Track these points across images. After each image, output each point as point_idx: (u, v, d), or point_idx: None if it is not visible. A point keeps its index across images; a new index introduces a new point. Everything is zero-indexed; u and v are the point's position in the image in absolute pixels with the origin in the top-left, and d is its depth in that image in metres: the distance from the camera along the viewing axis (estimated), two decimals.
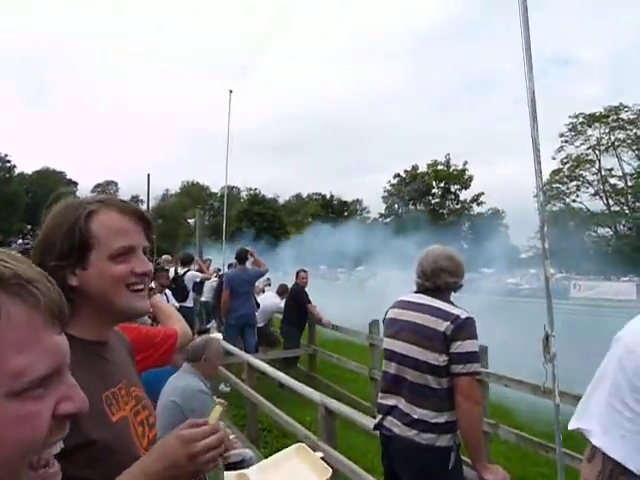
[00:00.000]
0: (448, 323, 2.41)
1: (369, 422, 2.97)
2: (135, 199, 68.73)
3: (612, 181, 45.46)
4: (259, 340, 8.23)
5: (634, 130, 43.63)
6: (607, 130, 44.44)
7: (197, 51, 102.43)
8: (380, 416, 2.63)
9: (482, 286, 35.98)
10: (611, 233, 45.27)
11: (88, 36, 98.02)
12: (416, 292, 2.68)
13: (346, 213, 59.65)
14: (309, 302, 8.05)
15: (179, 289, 8.69)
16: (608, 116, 43.94)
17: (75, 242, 1.03)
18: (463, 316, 2.44)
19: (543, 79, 58.85)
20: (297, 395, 4.46)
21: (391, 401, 2.58)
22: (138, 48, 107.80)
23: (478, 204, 56.55)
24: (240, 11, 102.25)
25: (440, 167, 57.73)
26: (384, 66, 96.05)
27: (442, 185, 57.81)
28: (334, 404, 3.65)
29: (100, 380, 1.03)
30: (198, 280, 9.41)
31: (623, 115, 43.80)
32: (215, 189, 70.53)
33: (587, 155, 45.67)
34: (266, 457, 2.86)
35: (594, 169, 45.60)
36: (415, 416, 2.44)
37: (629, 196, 43.94)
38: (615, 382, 0.95)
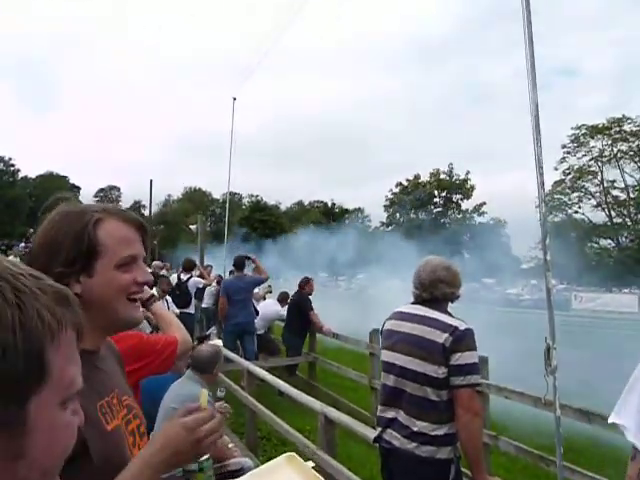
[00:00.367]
0: (447, 335, 2.40)
1: (369, 432, 2.96)
2: (137, 204, 68.90)
3: (614, 193, 45.45)
4: (259, 347, 8.21)
5: (637, 142, 43.67)
6: (610, 142, 44.47)
7: (199, 56, 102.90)
8: (379, 429, 2.62)
9: (483, 296, 35.96)
10: (613, 245, 45.19)
11: (92, 39, 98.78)
12: (413, 303, 2.68)
13: (347, 221, 59.61)
14: (311, 309, 8.04)
15: (182, 295, 8.70)
16: (611, 128, 43.99)
17: (83, 249, 1.03)
18: (462, 327, 2.43)
19: (546, 90, 59.03)
20: (297, 403, 4.44)
21: (390, 414, 2.56)
22: (142, 52, 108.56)
23: (480, 214, 56.56)
24: (243, 16, 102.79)
25: (442, 176, 57.80)
26: (388, 75, 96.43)
27: (444, 194, 57.84)
28: (334, 413, 3.64)
29: (94, 389, 1.03)
30: (201, 286, 9.41)
31: (626, 127, 43.85)
32: (217, 195, 70.71)
33: (589, 166, 45.69)
34: None
35: (596, 180, 45.61)
36: (415, 428, 2.43)
37: (631, 208, 43.91)
38: None
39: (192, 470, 1.07)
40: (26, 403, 0.57)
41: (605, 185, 45.12)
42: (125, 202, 73.26)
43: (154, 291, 8.21)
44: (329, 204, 68.02)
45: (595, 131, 44.43)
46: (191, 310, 9.13)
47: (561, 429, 2.97)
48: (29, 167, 78.63)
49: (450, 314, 2.54)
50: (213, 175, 74.28)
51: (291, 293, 8.89)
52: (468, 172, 56.23)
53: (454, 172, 57.36)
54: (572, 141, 45.68)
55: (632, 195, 44.19)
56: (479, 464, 2.40)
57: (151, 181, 36.47)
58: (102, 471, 0.94)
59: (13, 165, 62.84)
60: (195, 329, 10.87)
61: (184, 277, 9.28)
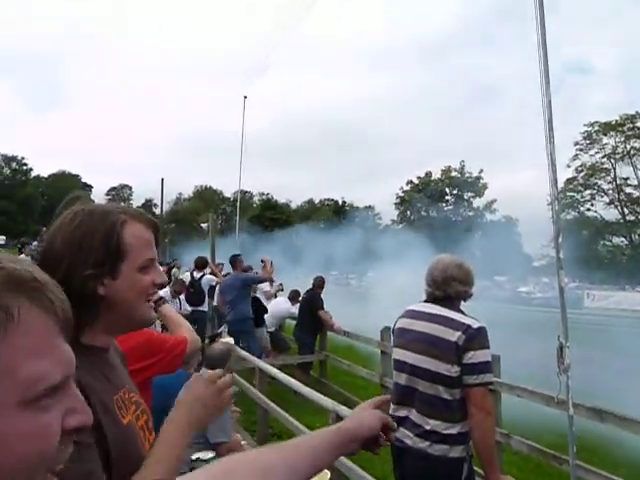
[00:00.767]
0: (460, 333, 2.40)
1: None
2: (149, 203, 69.41)
3: (627, 190, 44.95)
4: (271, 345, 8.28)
5: None
6: (623, 139, 43.99)
7: (211, 55, 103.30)
8: None
9: (494, 294, 35.75)
10: (626, 243, 44.72)
11: (106, 38, 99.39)
12: (426, 301, 2.67)
13: (358, 219, 59.55)
14: (322, 308, 8.06)
15: (196, 293, 8.76)
16: (624, 124, 43.51)
17: (112, 251, 1.04)
18: (475, 326, 2.42)
19: (558, 87, 58.52)
20: (308, 401, 4.45)
21: (402, 412, 2.56)
22: (154, 52, 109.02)
23: (491, 212, 56.25)
24: (256, 14, 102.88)
25: (454, 174, 57.52)
26: (400, 72, 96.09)
27: (455, 192, 57.59)
28: (345, 411, 3.64)
29: (110, 384, 1.05)
30: (214, 284, 9.45)
31: (639, 123, 43.36)
32: (228, 194, 70.95)
33: (602, 164, 45.23)
34: None
35: (609, 178, 45.15)
36: (427, 427, 2.42)
37: None
38: None
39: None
40: None
41: (618, 182, 44.65)
42: (136, 200, 73.88)
43: (167, 290, 8.27)
44: (340, 202, 67.98)
45: (608, 128, 43.98)
46: (205, 308, 9.20)
47: (574, 428, 2.96)
48: (41, 166, 79.46)
49: (463, 312, 2.53)
50: (224, 174, 74.22)
51: (302, 291, 8.91)
52: (481, 170, 55.95)
53: (465, 170, 57.08)
54: (584, 138, 45.26)
55: None
56: (492, 463, 2.39)
57: (162, 180, 36.73)
58: (119, 464, 0.96)
59: (26, 164, 63.53)
60: (207, 327, 10.94)
61: (197, 275, 9.34)
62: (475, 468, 2.53)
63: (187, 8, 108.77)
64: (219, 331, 8.41)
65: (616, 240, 45.59)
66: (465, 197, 57.59)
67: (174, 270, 13.80)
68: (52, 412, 0.52)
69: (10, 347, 0.50)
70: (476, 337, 2.39)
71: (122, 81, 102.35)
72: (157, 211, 54.70)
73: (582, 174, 45.75)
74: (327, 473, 2.08)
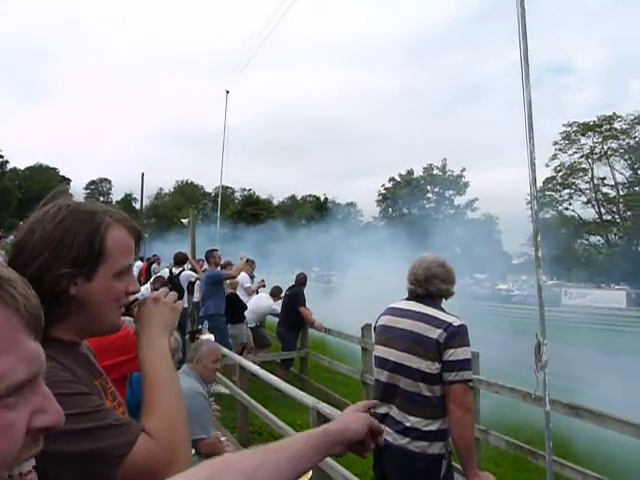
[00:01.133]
0: (441, 331, 2.42)
1: None
2: (129, 197, 68.54)
3: (604, 190, 45.80)
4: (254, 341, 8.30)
5: (626, 140, 43.98)
6: (600, 139, 44.76)
7: (193, 49, 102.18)
8: None
9: (474, 292, 36.16)
10: (603, 242, 45.56)
11: (84, 30, 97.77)
12: (408, 299, 2.69)
13: (340, 216, 59.67)
14: (303, 305, 8.07)
15: (175, 289, 8.67)
16: (601, 125, 44.26)
17: (94, 252, 1.02)
18: (456, 324, 2.45)
19: (539, 87, 59.26)
20: (289, 398, 4.45)
21: (383, 409, 2.58)
22: (133, 44, 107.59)
23: (472, 210, 56.80)
24: (237, 8, 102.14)
25: (436, 172, 57.91)
26: (382, 70, 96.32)
27: (437, 190, 58.00)
28: (326, 408, 3.65)
29: (89, 372, 1.05)
30: (193, 280, 9.38)
31: (616, 125, 44.15)
32: (209, 189, 70.38)
33: (580, 164, 45.96)
34: None
35: (587, 177, 45.91)
36: (407, 424, 2.44)
37: (621, 205, 44.26)
38: None
39: None
40: None
41: (595, 182, 45.44)
42: (116, 195, 72.97)
43: (147, 287, 8.19)
44: (322, 198, 67.99)
45: (586, 128, 44.70)
46: (184, 304, 9.12)
47: (551, 424, 3.01)
48: (19, 159, 77.88)
49: (444, 310, 2.56)
50: (205, 169, 74.09)
51: (284, 287, 8.91)
52: (463, 169, 56.38)
53: (447, 168, 57.50)
54: (563, 138, 45.95)
55: (621, 192, 44.54)
56: (470, 459, 2.42)
57: (142, 174, 36.27)
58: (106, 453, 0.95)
59: (2, 156, 62.19)
60: (187, 323, 10.86)
61: (176, 271, 9.25)
62: (454, 464, 2.56)
63: (170, 0, 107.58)
64: (199, 327, 8.37)
65: (593, 239, 46.43)
66: (447, 195, 58.02)
67: (154, 266, 13.66)
68: (16, 411, 0.50)
69: None
70: (457, 335, 2.42)
71: (102, 74, 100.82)
72: (137, 206, 54.07)
73: (561, 174, 46.45)
74: (309, 471, 2.08)
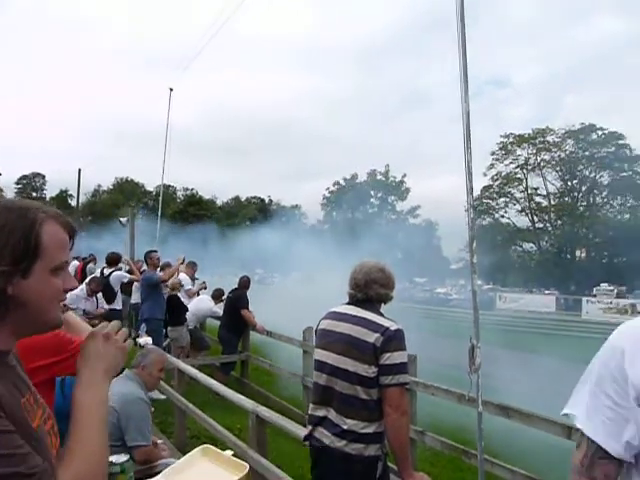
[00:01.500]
0: (378, 335, 2.46)
1: (300, 430, 2.98)
2: (64, 194, 65.67)
3: (537, 199, 48.02)
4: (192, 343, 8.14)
5: (558, 152, 46.37)
6: (534, 151, 46.95)
7: (136, 44, 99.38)
8: (310, 427, 2.65)
9: (414, 295, 37.02)
10: (535, 249, 47.75)
11: (20, 16, 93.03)
12: (348, 303, 2.73)
13: (284, 218, 59.60)
14: (245, 307, 8.00)
15: (106, 290, 8.40)
16: (535, 138, 46.47)
17: (30, 249, 0.99)
18: (393, 328, 2.49)
19: (478, 98, 61.50)
20: (228, 402, 4.40)
21: (321, 412, 2.59)
22: (74, 38, 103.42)
23: (414, 216, 58.18)
24: (182, 5, 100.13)
25: (379, 177, 58.95)
26: (330, 73, 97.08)
27: (380, 195, 59.05)
28: (265, 412, 3.63)
29: (15, 389, 0.99)
30: (125, 281, 9.08)
31: (549, 138, 46.47)
32: (150, 187, 68.48)
33: (515, 173, 47.99)
34: None
35: (521, 187, 47.98)
36: (344, 427, 2.47)
37: (552, 214, 46.56)
38: (599, 375, 1.12)
39: (114, 472, 1.06)
40: None
41: (529, 192, 47.58)
42: (50, 191, 69.71)
43: (82, 288, 7.90)
44: (266, 200, 67.71)
45: (521, 140, 46.78)
46: (116, 306, 8.81)
47: (483, 425, 3.12)
48: None
49: (383, 315, 2.60)
50: (147, 166, 71.95)
51: (227, 290, 8.80)
52: (404, 175, 57.68)
53: (390, 174, 58.64)
54: (500, 149, 47.86)
55: (553, 202, 46.88)
56: (405, 460, 2.47)
57: (79, 170, 34.85)
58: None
59: None
60: (124, 326, 10.51)
61: (107, 272, 8.97)
62: (390, 465, 2.61)
63: None
64: (139, 332, 8.13)
65: (526, 246, 48.57)
66: (389, 200, 59.16)
67: (90, 265, 13.16)
68: None
69: None
70: (393, 339, 2.46)
71: (37, 64, 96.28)
72: (73, 203, 51.95)
73: (497, 182, 48.33)
74: (246, 466, 2.06)
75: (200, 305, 8.77)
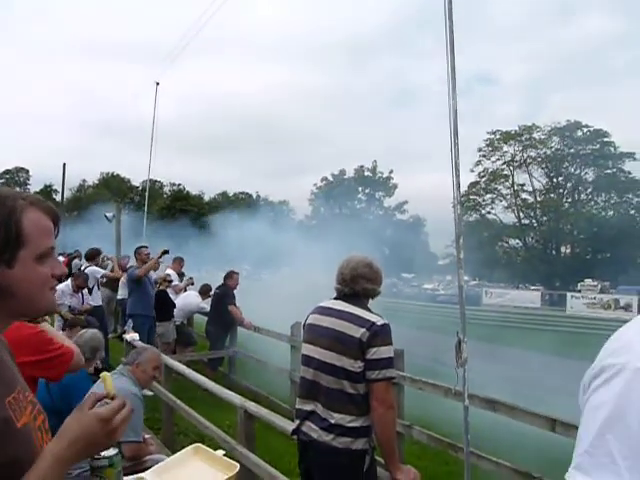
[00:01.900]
0: (364, 330, 2.47)
1: (288, 425, 2.99)
2: (48, 189, 64.84)
3: (523, 196, 48.37)
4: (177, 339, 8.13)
5: (544, 149, 46.73)
6: (521, 148, 47.25)
7: (122, 37, 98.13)
8: (298, 421, 2.67)
9: (401, 291, 37.19)
10: (521, 244, 48.14)
11: (5, 12, 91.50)
12: (335, 298, 2.74)
13: (272, 214, 59.42)
14: (232, 304, 7.98)
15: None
16: (522, 135, 46.75)
17: (11, 238, 0.98)
18: (379, 323, 2.50)
19: (467, 95, 61.72)
20: (216, 398, 4.40)
21: (309, 406, 2.61)
22: (58, 31, 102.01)
23: (401, 212, 58.31)
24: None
25: (367, 173, 59.00)
26: (317, 71, 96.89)
27: (367, 191, 59.12)
28: (254, 407, 3.64)
29: (2, 384, 0.98)
30: (99, 276, 8.95)
31: (535, 135, 46.78)
32: (136, 182, 67.89)
33: (502, 170, 48.25)
34: None
35: (508, 183, 48.26)
36: (332, 421, 2.48)
37: (538, 210, 46.95)
38: (625, 422, 0.72)
39: (102, 466, 1.05)
40: None
41: (515, 188, 47.91)
42: (34, 186, 68.68)
43: (68, 284, 7.82)
44: (254, 196, 67.47)
45: (508, 137, 47.01)
46: (93, 302, 8.73)
47: (469, 418, 3.16)
48: None
49: (370, 310, 2.61)
50: (133, 161, 71.40)
51: (214, 286, 8.78)
52: (391, 171, 57.76)
53: (377, 170, 58.71)
54: (487, 145, 48.10)
55: (539, 199, 47.27)
56: (392, 454, 2.50)
57: (64, 164, 34.51)
58: (10, 471, 0.91)
59: None
60: (110, 322, 10.45)
61: (84, 266, 8.95)
62: (377, 458, 2.63)
63: None
64: (125, 328, 8.09)
65: (512, 242, 48.92)
66: (377, 196, 59.26)
67: (75, 261, 13.05)
68: None
69: None
70: (379, 334, 2.47)
71: (22, 57, 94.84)
72: (57, 198, 51.33)
73: (484, 179, 48.59)
74: (237, 466, 2.07)
75: (187, 301, 8.75)
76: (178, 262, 9.77)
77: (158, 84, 13.41)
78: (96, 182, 71.02)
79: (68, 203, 56.62)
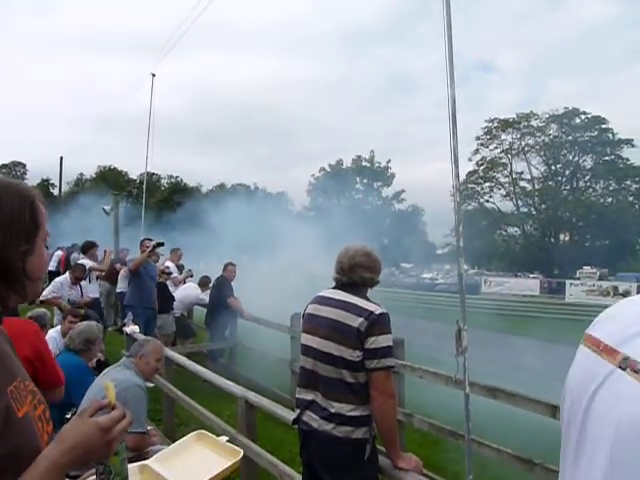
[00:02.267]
0: (362, 319, 2.46)
1: (289, 415, 3.00)
2: (46, 182, 64.66)
3: (522, 184, 48.33)
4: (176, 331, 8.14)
5: (542, 137, 46.62)
6: (519, 136, 47.15)
7: (118, 28, 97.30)
8: (298, 411, 2.67)
9: (400, 280, 37.25)
10: (519, 233, 48.18)
11: (2, 7, 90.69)
12: (334, 288, 2.73)
13: (270, 205, 59.29)
14: (231, 295, 7.98)
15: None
16: (520, 122, 46.63)
17: (37, 226, 1.05)
18: (377, 312, 2.49)
19: (464, 83, 61.40)
20: (217, 388, 4.41)
21: (309, 396, 2.61)
22: (55, 24, 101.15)
23: (399, 201, 58.24)
24: None
25: (364, 163, 58.86)
26: (314, 60, 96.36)
27: (365, 181, 58.99)
28: (254, 397, 3.65)
29: (4, 373, 0.98)
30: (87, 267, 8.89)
31: (533, 122, 46.66)
32: (134, 175, 67.66)
33: (500, 158, 48.20)
34: None
35: (506, 172, 48.23)
36: (332, 410, 2.48)
37: (536, 198, 46.94)
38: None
39: None
40: None
41: (514, 176, 47.86)
42: (31, 180, 68.34)
43: (67, 276, 7.80)
44: (252, 187, 67.31)
45: (506, 125, 46.90)
46: (93, 294, 8.70)
47: (470, 406, 3.17)
48: None
49: (368, 299, 2.60)
50: (130, 154, 71.17)
51: (213, 277, 8.78)
52: (389, 160, 57.61)
53: (375, 160, 58.57)
54: (485, 133, 48.00)
55: (537, 186, 47.23)
56: (393, 443, 2.50)
57: (61, 158, 34.39)
58: (12, 461, 0.91)
59: None
60: (110, 313, 10.46)
61: (81, 260, 8.93)
62: (378, 447, 2.64)
63: None
64: (125, 320, 8.09)
65: (511, 230, 48.98)
66: (375, 186, 59.15)
67: (73, 255, 13.02)
68: None
69: None
70: (378, 323, 2.46)
71: (17, 51, 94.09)
72: (55, 192, 51.20)
73: (482, 167, 48.53)
74: (241, 452, 2.07)
75: (187, 293, 8.75)
76: (176, 253, 9.75)
77: (154, 76, 13.34)
78: (93, 175, 70.81)
79: (66, 197, 56.50)
